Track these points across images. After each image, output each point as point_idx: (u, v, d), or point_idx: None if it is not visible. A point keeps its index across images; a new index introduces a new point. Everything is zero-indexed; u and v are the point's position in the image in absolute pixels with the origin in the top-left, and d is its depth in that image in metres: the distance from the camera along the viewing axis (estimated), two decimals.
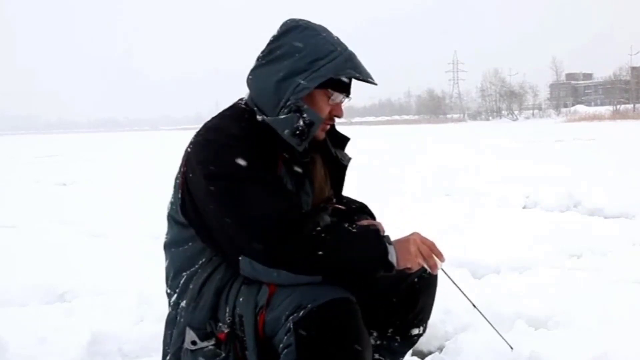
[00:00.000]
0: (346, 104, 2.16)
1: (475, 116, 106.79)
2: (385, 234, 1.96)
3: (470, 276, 4.28)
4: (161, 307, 2.18)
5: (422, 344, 3.07)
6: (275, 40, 2.04)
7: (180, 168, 2.05)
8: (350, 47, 2.08)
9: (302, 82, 1.95)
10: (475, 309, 2.44)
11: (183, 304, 2.02)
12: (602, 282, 3.98)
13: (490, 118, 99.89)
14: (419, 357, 3.01)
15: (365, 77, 2.04)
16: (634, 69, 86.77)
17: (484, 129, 48.27)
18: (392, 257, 1.88)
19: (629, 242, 5.23)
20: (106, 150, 31.29)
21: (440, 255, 2.00)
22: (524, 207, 7.64)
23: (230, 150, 1.91)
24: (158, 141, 42.24)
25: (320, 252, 1.81)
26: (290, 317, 1.78)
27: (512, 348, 2.65)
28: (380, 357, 2.43)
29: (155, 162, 19.11)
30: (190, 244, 2.03)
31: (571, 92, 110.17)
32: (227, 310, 1.93)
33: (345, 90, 2.08)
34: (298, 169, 2.06)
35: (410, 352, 2.81)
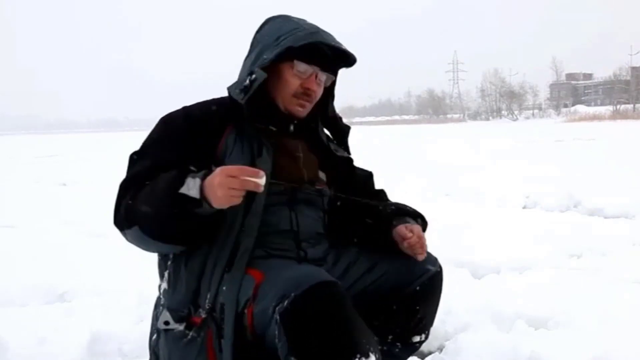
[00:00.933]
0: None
1: (475, 116, 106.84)
2: (204, 171, 1.82)
3: (470, 276, 4.28)
4: None
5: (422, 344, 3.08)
6: (255, 34, 2.17)
7: None
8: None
9: (264, 56, 2.04)
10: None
11: (164, 285, 2.08)
12: (602, 282, 3.98)
13: (490, 118, 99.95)
14: (419, 357, 3.00)
15: (330, 42, 2.06)
16: (634, 69, 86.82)
17: (484, 129, 48.25)
18: (190, 189, 1.77)
19: (629, 242, 5.22)
20: (106, 150, 31.26)
21: (255, 173, 1.75)
22: (524, 207, 7.64)
23: (162, 121, 2.12)
24: None
25: (131, 201, 1.91)
26: (277, 308, 1.75)
27: None
28: None
29: None
30: None
31: (571, 92, 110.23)
32: (209, 296, 1.94)
33: (316, 63, 2.11)
34: (255, 138, 2.07)
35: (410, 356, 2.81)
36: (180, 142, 2.01)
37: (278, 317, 1.73)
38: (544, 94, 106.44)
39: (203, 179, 1.78)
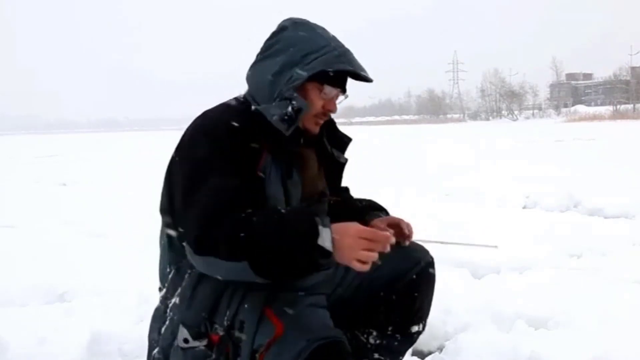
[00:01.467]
0: (344, 102, 2.19)
1: (475, 116, 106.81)
2: (326, 217, 1.78)
3: (471, 276, 4.28)
4: None
5: (422, 344, 3.08)
6: (272, 37, 2.11)
7: (171, 157, 2.10)
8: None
9: (294, 73, 2.00)
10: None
11: (176, 300, 2.01)
12: (602, 282, 3.98)
13: (490, 118, 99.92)
14: (419, 357, 3.01)
15: (358, 71, 2.06)
16: (633, 69, 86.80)
17: (484, 129, 48.25)
18: (325, 241, 1.71)
19: (629, 242, 5.23)
20: (106, 150, 31.29)
21: (388, 238, 1.78)
22: (524, 207, 7.64)
23: (207, 136, 1.97)
24: (158, 141, 42.25)
25: (243, 234, 1.73)
26: None
27: (496, 246, 2.61)
28: (380, 357, 2.43)
29: (155, 162, 19.12)
30: (174, 236, 2.05)
31: (571, 92, 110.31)
32: (228, 314, 1.92)
33: (340, 86, 2.11)
34: (286, 159, 2.06)
35: (410, 352, 2.82)
36: (237, 162, 1.94)
37: None
38: (544, 94, 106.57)
39: (326, 226, 1.75)
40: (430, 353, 3.06)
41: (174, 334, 1.99)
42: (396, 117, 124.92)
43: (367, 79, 2.15)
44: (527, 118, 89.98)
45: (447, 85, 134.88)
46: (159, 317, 2.09)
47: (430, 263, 2.40)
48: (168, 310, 2.04)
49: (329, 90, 2.08)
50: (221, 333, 1.91)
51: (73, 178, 13.94)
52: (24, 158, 24.71)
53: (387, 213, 2.49)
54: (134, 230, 6.46)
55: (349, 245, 1.73)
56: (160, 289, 2.13)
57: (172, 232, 2.03)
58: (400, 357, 2.54)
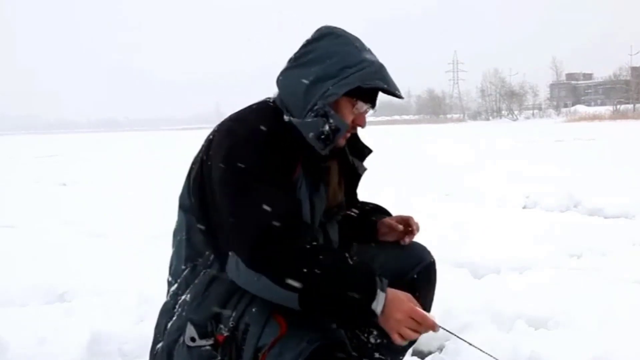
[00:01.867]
0: (369, 115, 2.18)
1: (475, 116, 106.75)
2: (385, 280, 1.84)
3: (471, 276, 4.29)
4: (161, 307, 2.18)
5: (422, 344, 3.08)
6: (308, 44, 2.07)
7: (198, 154, 2.07)
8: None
9: (330, 87, 1.96)
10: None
11: (186, 297, 2.01)
12: (602, 282, 3.98)
13: (490, 118, 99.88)
14: (419, 357, 3.01)
15: (393, 90, 2.05)
16: (634, 69, 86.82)
17: (484, 129, 48.25)
18: (378, 305, 1.77)
19: (629, 242, 5.23)
20: (106, 150, 31.29)
21: (433, 327, 1.84)
22: (524, 207, 7.64)
23: (251, 144, 1.92)
24: (158, 141, 42.26)
25: (306, 270, 1.75)
26: None
27: None
28: (381, 356, 2.43)
29: (156, 162, 19.13)
30: (192, 231, 2.05)
31: (571, 92, 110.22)
32: (233, 315, 1.92)
33: (371, 100, 2.10)
34: (316, 173, 2.08)
35: (410, 351, 2.82)
36: (281, 173, 1.95)
37: None
38: (544, 94, 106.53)
39: (383, 290, 1.80)
40: (430, 353, 3.06)
41: (180, 330, 1.98)
42: (396, 117, 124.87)
43: (398, 96, 2.14)
44: (527, 118, 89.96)
45: (447, 85, 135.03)
46: (166, 312, 2.08)
47: (432, 263, 2.42)
48: (177, 306, 2.04)
49: (361, 105, 2.07)
50: (225, 334, 1.91)
51: (73, 178, 13.95)
52: (24, 158, 24.72)
53: (389, 215, 2.52)
54: (134, 230, 6.47)
55: (397, 319, 1.79)
56: (169, 283, 2.13)
57: (201, 226, 2.02)
58: (401, 357, 2.55)
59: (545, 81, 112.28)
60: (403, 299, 1.83)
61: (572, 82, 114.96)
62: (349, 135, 2.15)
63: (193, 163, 2.10)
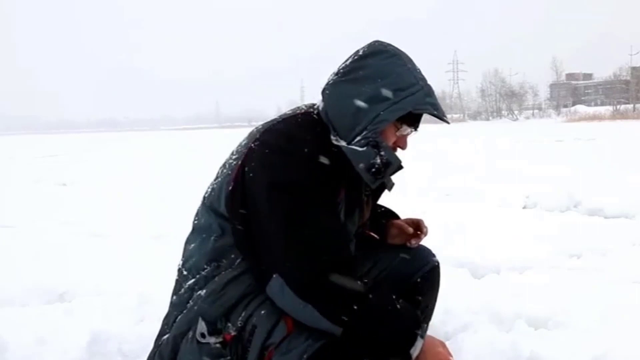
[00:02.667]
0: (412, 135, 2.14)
1: (475, 116, 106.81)
2: (424, 326, 1.93)
3: (470, 276, 4.28)
4: (161, 307, 2.18)
5: None
6: (359, 59, 2.02)
7: (237, 160, 2.01)
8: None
9: (382, 113, 1.92)
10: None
11: (202, 293, 2.00)
12: (602, 282, 3.98)
13: (491, 118, 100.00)
14: None
15: (441, 116, 2.03)
16: (634, 69, 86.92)
17: (484, 129, 48.26)
18: (415, 350, 1.82)
19: (629, 242, 5.22)
20: (106, 150, 31.30)
21: None
22: (524, 207, 7.64)
23: (301, 165, 1.89)
24: (158, 141, 42.26)
25: (355, 307, 1.78)
26: None
27: None
28: None
29: (156, 162, 19.14)
30: (223, 236, 2.01)
31: (571, 92, 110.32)
32: (243, 314, 1.92)
33: (415, 123, 2.07)
34: (356, 199, 2.09)
35: None
36: (331, 198, 1.95)
37: None
38: (544, 94, 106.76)
39: (422, 337, 1.86)
40: None
41: (189, 324, 1.99)
42: None
43: (445, 122, 2.13)
44: (527, 118, 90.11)
45: (447, 85, 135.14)
46: (179, 304, 2.07)
47: (436, 266, 2.42)
48: (191, 300, 2.03)
49: (405, 129, 2.04)
50: (233, 333, 1.92)
51: (73, 178, 13.95)
52: (24, 158, 24.72)
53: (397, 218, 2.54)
54: (134, 231, 6.47)
55: None
56: (184, 276, 2.09)
57: (245, 245, 1.96)
58: None
59: (545, 81, 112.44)
60: (439, 348, 1.89)
61: (572, 82, 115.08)
62: None
63: (227, 168, 2.04)
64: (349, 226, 2.08)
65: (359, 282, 1.81)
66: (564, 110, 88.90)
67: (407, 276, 2.31)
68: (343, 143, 1.95)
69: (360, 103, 1.93)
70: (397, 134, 2.03)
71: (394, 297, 1.89)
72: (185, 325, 2.00)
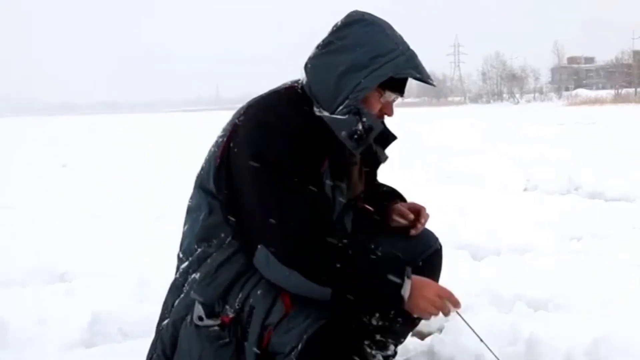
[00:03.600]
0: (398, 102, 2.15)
1: (476, 99, 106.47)
2: (409, 267, 1.91)
3: (471, 258, 4.29)
4: (161, 288, 2.18)
5: (422, 325, 3.07)
6: (338, 30, 2.02)
7: (222, 137, 2.03)
8: None
9: (362, 80, 1.92)
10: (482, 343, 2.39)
11: (196, 276, 2.01)
12: (602, 265, 3.99)
13: (492, 101, 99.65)
14: (419, 338, 3.02)
15: (425, 79, 2.02)
16: (636, 52, 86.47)
17: (485, 112, 48.14)
18: (406, 291, 1.85)
19: (629, 225, 5.23)
20: (107, 132, 31.25)
21: (457, 305, 1.97)
22: (525, 190, 7.66)
23: (283, 138, 1.90)
24: (158, 123, 42.21)
25: (339, 265, 1.81)
26: (293, 353, 1.83)
27: None
28: (382, 338, 2.43)
29: (156, 144, 19.12)
30: (212, 214, 2.03)
31: (573, 75, 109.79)
32: (240, 296, 1.93)
33: (399, 89, 2.06)
34: (341, 168, 2.08)
35: (410, 332, 2.82)
36: (313, 168, 1.96)
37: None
38: (545, 77, 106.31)
39: (408, 277, 1.88)
40: (430, 334, 3.06)
41: (187, 309, 2.00)
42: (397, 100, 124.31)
43: (430, 84, 2.11)
44: (529, 101, 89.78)
45: (449, 68, 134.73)
46: (175, 289, 2.09)
47: (438, 250, 2.40)
48: (186, 284, 2.05)
49: (389, 95, 2.04)
50: (231, 315, 1.93)
51: (73, 160, 13.94)
52: (25, 140, 24.69)
53: (404, 200, 2.49)
54: (135, 212, 6.48)
55: (428, 298, 1.91)
56: (180, 259, 2.12)
57: (231, 217, 1.98)
58: (402, 339, 2.55)
59: (546, 64, 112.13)
60: (428, 281, 1.95)
61: (574, 65, 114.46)
62: None
63: (214, 146, 2.06)
64: (337, 196, 2.08)
65: (339, 244, 1.85)
66: (565, 93, 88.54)
67: (409, 260, 2.29)
68: (326, 114, 1.97)
69: (341, 73, 1.94)
70: (382, 100, 2.04)
71: (372, 246, 1.97)
72: (184, 310, 2.01)
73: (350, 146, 1.97)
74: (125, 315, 3.25)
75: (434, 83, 2.10)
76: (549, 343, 2.59)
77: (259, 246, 1.85)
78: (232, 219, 1.96)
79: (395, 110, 2.13)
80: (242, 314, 1.91)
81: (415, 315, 1.95)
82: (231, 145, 1.97)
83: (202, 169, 2.09)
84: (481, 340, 2.31)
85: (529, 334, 2.73)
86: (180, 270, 2.09)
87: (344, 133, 1.94)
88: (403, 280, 1.85)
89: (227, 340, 1.92)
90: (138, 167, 11.82)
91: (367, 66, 1.92)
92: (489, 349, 2.30)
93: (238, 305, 1.92)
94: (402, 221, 2.36)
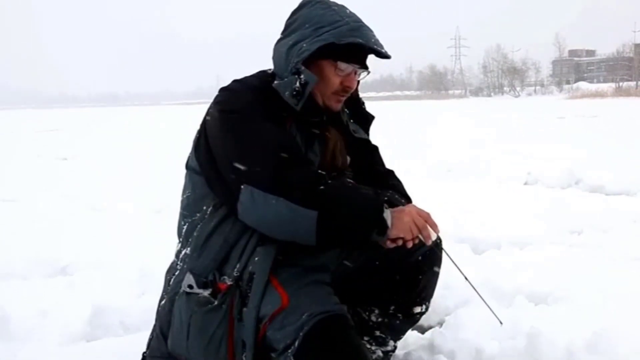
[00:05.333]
0: (365, 78, 2.21)
1: (477, 92, 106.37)
2: (384, 198, 1.97)
3: (471, 252, 4.30)
4: (162, 281, 2.20)
5: (422, 319, 3.07)
6: (291, 16, 2.14)
7: (204, 117, 2.11)
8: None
9: (304, 45, 2.01)
10: (467, 282, 2.45)
11: (186, 251, 2.08)
12: (603, 259, 3.99)
13: (492, 94, 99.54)
14: (419, 332, 3.02)
15: (372, 45, 2.05)
16: (637, 45, 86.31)
17: (486, 105, 48.11)
18: (387, 217, 1.89)
19: (630, 219, 5.23)
20: (107, 124, 31.24)
21: (435, 227, 2.00)
22: (525, 184, 7.65)
23: (245, 93, 2.04)
24: (159, 116, 42.19)
25: (322, 187, 1.87)
26: (290, 351, 1.84)
27: (501, 323, 2.67)
28: (381, 335, 2.44)
29: (156, 136, 19.12)
30: (194, 190, 2.09)
31: (574, 68, 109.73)
32: (238, 266, 1.97)
33: (356, 61, 2.10)
34: (307, 130, 2.13)
35: (409, 329, 2.83)
36: (274, 119, 2.03)
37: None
38: (546, 70, 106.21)
39: (386, 208, 1.93)
40: (430, 327, 3.07)
41: (181, 283, 2.04)
42: (397, 93, 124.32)
43: (382, 54, 2.13)
44: (529, 94, 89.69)
45: (449, 61, 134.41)
46: (171, 269, 2.16)
47: (437, 245, 2.37)
48: (179, 261, 2.11)
49: (343, 66, 2.08)
50: (229, 282, 1.96)
51: (74, 152, 13.94)
52: (26, 132, 24.69)
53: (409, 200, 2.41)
54: (135, 204, 6.48)
55: (408, 213, 1.96)
56: (177, 244, 2.18)
57: (202, 191, 2.06)
58: (401, 336, 2.55)
59: (547, 57, 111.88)
60: (403, 208, 2.01)
61: (575, 58, 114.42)
62: (343, 98, 2.17)
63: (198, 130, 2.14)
64: (311, 157, 2.13)
65: (318, 171, 1.99)
66: (566, 87, 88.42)
67: (408, 255, 2.28)
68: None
69: (289, 47, 2.05)
70: (339, 73, 2.10)
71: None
72: (178, 285, 2.07)
73: (292, 103, 2.04)
74: (126, 308, 3.26)
75: (388, 53, 2.13)
76: (549, 336, 2.59)
77: (241, 188, 1.88)
78: (216, 179, 2.00)
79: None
80: (242, 282, 1.96)
81: (401, 235, 1.94)
82: (207, 118, 2.06)
83: (190, 153, 2.17)
84: (466, 278, 2.45)
85: (529, 327, 2.74)
86: (176, 252, 2.16)
87: (287, 93, 2.03)
88: (382, 208, 1.90)
89: (216, 304, 1.95)
90: (139, 159, 11.81)
91: (310, 36, 2.02)
92: (474, 289, 2.48)
93: (237, 274, 1.97)
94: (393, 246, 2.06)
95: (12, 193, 7.67)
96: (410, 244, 1.98)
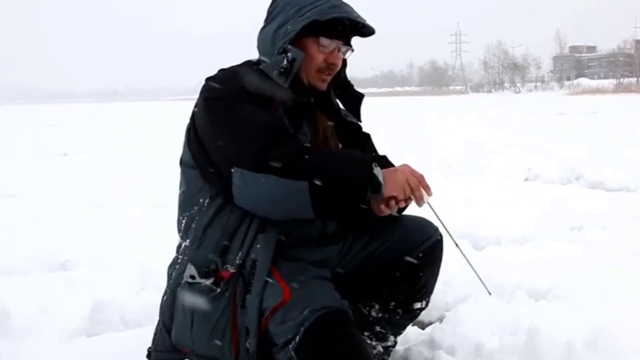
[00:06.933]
0: (349, 56, 2.23)
1: (477, 88, 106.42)
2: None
3: (471, 247, 4.29)
4: (162, 277, 2.19)
5: (422, 315, 3.07)
6: (272, 3, 2.16)
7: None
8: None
9: (289, 27, 2.03)
10: (457, 249, 2.45)
11: (186, 243, 2.09)
12: (603, 255, 3.99)
13: (493, 90, 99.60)
14: (419, 327, 3.02)
15: (354, 18, 2.08)
16: (638, 42, 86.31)
17: (486, 101, 48.08)
18: (379, 174, 1.91)
19: (630, 215, 5.23)
20: (107, 120, 31.22)
21: (427, 189, 2.02)
22: (526, 180, 7.65)
23: (231, 81, 2.03)
24: (159, 111, 42.16)
25: (307, 157, 1.87)
26: (290, 346, 1.83)
27: (490, 293, 2.70)
28: (382, 330, 2.44)
29: (156, 132, 19.10)
30: (189, 184, 2.10)
31: (574, 64, 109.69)
32: (240, 254, 1.98)
33: (338, 37, 2.12)
34: (295, 111, 2.13)
35: (410, 324, 2.83)
36: (261, 102, 2.04)
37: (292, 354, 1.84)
38: (547, 66, 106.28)
39: (377, 166, 1.95)
40: (430, 323, 3.07)
41: (182, 275, 2.04)
42: (398, 89, 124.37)
43: (366, 29, 2.17)
44: (530, 90, 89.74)
45: (450, 57, 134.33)
46: (172, 263, 2.16)
47: (438, 241, 2.36)
48: (179, 255, 2.12)
49: (326, 42, 2.10)
50: (232, 270, 1.97)
51: (74, 148, 13.94)
52: (25, 128, 24.67)
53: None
54: (135, 201, 6.48)
55: (402, 171, 2.00)
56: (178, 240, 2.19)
57: (197, 184, 2.07)
58: (402, 331, 2.55)
59: (548, 53, 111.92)
60: (396, 167, 2.05)
61: (576, 54, 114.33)
62: (328, 77, 2.17)
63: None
64: (300, 137, 2.12)
65: (302, 143, 2.00)
66: (566, 83, 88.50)
67: (407, 252, 2.27)
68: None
69: (274, 31, 2.08)
70: (322, 50, 2.11)
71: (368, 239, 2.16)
72: (179, 276, 2.06)
73: (280, 81, 2.05)
74: (126, 303, 3.27)
75: (372, 27, 2.17)
76: (549, 333, 2.59)
77: (232, 171, 1.89)
78: (210, 169, 2.00)
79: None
80: (244, 270, 1.96)
81: (394, 194, 1.95)
82: (195, 110, 2.08)
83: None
84: (456, 245, 2.47)
85: (529, 323, 2.73)
86: (176, 246, 2.17)
87: (275, 72, 2.04)
88: (372, 167, 1.92)
89: (218, 291, 1.96)
90: (139, 155, 11.81)
91: (293, 16, 2.04)
92: (464, 256, 2.49)
93: (239, 261, 1.97)
94: (387, 211, 2.09)
95: (11, 188, 7.67)
96: (402, 204, 2.01)
